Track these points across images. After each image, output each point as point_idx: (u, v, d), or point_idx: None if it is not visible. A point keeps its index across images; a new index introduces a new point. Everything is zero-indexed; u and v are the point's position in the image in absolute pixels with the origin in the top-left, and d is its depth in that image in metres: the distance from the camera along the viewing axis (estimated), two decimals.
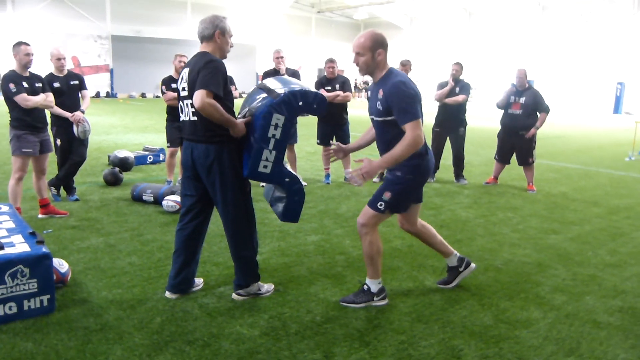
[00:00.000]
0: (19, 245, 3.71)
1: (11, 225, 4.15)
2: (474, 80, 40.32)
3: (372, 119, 3.94)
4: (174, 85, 7.53)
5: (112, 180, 7.98)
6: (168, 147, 7.87)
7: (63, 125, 6.65)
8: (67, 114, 6.51)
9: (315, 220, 6.40)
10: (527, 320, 3.85)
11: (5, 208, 4.62)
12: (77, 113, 6.58)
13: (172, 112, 7.62)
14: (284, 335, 3.53)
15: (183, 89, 3.84)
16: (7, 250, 3.59)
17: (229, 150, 3.78)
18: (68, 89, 6.67)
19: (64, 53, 6.77)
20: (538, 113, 8.45)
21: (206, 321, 3.68)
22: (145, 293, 4.12)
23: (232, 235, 4.01)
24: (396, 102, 3.63)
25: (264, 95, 3.84)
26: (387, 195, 3.84)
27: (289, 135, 3.81)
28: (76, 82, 6.80)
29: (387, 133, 3.81)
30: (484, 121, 21.53)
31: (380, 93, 3.73)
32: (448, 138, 9.04)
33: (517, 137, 8.46)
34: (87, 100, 6.93)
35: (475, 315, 3.91)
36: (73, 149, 6.84)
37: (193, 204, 4.05)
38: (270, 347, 3.37)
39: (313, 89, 4.02)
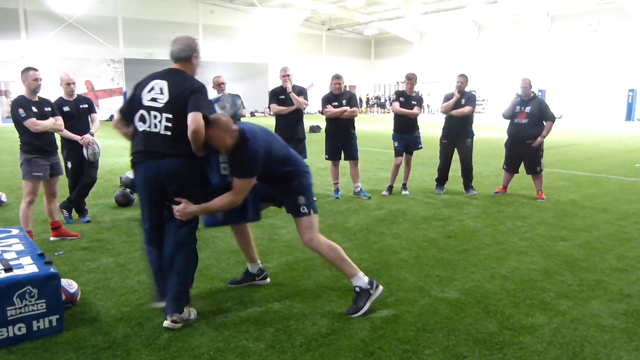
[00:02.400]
0: (28, 267, 3.77)
1: (20, 247, 4.23)
2: (485, 91, 40.44)
3: None
4: None
5: (124, 201, 8.09)
6: None
7: (73, 148, 6.78)
8: (76, 137, 6.64)
9: (323, 234, 6.24)
10: (532, 326, 3.85)
11: (15, 231, 4.71)
12: (87, 136, 6.71)
13: None
14: (289, 347, 3.56)
15: (154, 100, 3.78)
16: (16, 272, 3.66)
17: (198, 164, 3.87)
18: (78, 113, 6.81)
19: (73, 78, 6.92)
20: (544, 122, 8.44)
21: (212, 336, 3.72)
22: (153, 310, 4.15)
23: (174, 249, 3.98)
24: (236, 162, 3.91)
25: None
26: (301, 199, 4.17)
27: None
28: (85, 105, 6.94)
29: None
30: (494, 132, 21.52)
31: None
32: (456, 149, 9.05)
33: (524, 147, 8.47)
34: (97, 124, 7.06)
35: (480, 322, 3.92)
36: (84, 171, 6.97)
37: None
38: (275, 359, 3.40)
39: (230, 94, 4.26)
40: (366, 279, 4.16)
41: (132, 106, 3.88)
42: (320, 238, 4.22)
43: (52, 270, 3.75)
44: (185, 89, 3.72)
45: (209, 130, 3.73)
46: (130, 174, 9.29)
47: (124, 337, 3.71)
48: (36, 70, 5.89)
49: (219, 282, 4.80)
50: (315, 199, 4.36)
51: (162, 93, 3.76)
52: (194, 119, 3.61)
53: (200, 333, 3.77)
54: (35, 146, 5.84)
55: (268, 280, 4.80)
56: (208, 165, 3.96)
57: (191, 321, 3.95)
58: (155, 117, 3.76)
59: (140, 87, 3.89)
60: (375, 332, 3.77)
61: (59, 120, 6.10)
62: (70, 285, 4.22)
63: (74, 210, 7.18)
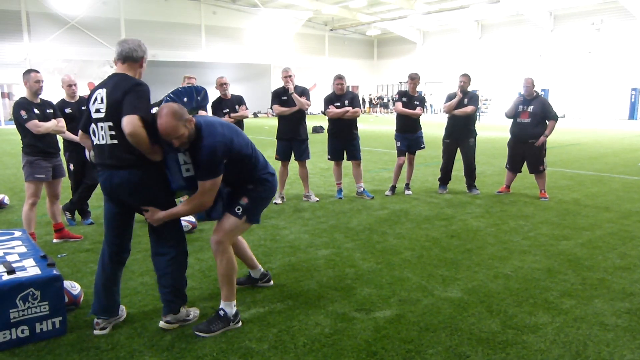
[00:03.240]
0: (30, 269, 3.77)
1: (23, 249, 4.24)
2: (488, 91, 40.39)
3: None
4: None
5: None
6: None
7: (75, 150, 6.79)
8: (78, 139, 6.63)
9: (326, 234, 6.43)
10: (535, 325, 3.85)
11: (18, 233, 4.71)
12: None
13: None
14: (292, 348, 3.56)
15: (97, 111, 3.63)
16: (19, 274, 3.66)
17: (154, 173, 3.69)
18: (80, 115, 6.80)
19: (74, 79, 6.93)
20: (547, 121, 8.42)
21: (216, 337, 3.72)
22: (157, 312, 4.15)
23: (159, 259, 3.93)
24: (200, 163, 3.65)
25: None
26: (244, 200, 3.90)
27: None
28: None
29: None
30: (497, 132, 21.50)
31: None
32: (459, 149, 9.04)
33: (527, 146, 8.45)
34: None
35: (483, 322, 3.91)
36: (86, 173, 6.98)
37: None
38: None
39: (188, 85, 4.03)
40: (235, 309, 3.92)
41: (87, 121, 3.79)
42: (230, 249, 3.96)
43: (54, 272, 3.75)
44: (119, 92, 3.53)
45: (158, 120, 3.48)
46: None
47: (127, 339, 3.71)
48: (37, 72, 5.89)
49: None
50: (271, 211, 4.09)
51: (102, 102, 3.61)
52: (127, 122, 3.40)
53: None
54: (38, 148, 5.85)
55: (271, 282, 4.75)
56: (168, 169, 3.73)
57: (190, 321, 3.94)
58: (101, 128, 3.63)
59: (88, 100, 3.76)
60: (378, 332, 3.77)
61: (61, 122, 6.10)
62: (73, 287, 4.23)
63: (76, 212, 7.19)
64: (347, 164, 8.81)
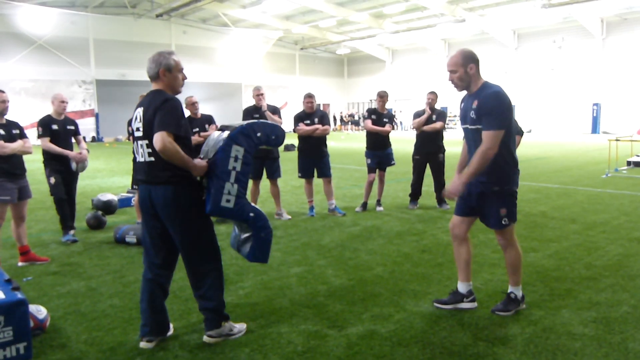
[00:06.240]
0: None
1: None
2: (456, 108, 40.96)
3: (465, 129, 4.24)
4: None
5: (95, 224, 7.97)
6: (135, 189, 7.88)
7: (58, 163, 6.83)
8: (71, 153, 6.87)
9: (299, 252, 6.42)
10: (505, 336, 3.89)
11: None
12: (84, 152, 7.01)
13: None
14: None
15: (137, 129, 3.76)
16: None
17: (189, 189, 3.75)
18: (64, 133, 6.96)
19: (66, 97, 7.15)
20: None
21: (187, 359, 3.67)
22: (126, 334, 4.09)
23: (198, 276, 3.99)
24: (485, 110, 3.92)
25: (225, 132, 3.87)
26: (503, 211, 4.14)
27: (249, 169, 3.84)
28: (72, 127, 7.12)
29: (479, 141, 4.03)
30: None
31: (475, 103, 3.99)
32: (428, 165, 9.14)
33: None
34: (84, 144, 7.31)
35: (455, 335, 3.94)
36: (67, 185, 7.01)
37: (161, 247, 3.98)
38: None
39: (271, 122, 4.13)
40: (522, 292, 4.38)
41: (133, 139, 3.93)
42: (515, 241, 4.34)
43: (19, 296, 3.66)
44: (152, 111, 3.62)
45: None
46: (102, 197, 9.19)
47: None
48: (3, 92, 5.80)
49: (193, 304, 4.70)
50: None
51: (140, 121, 3.73)
52: (157, 139, 3.52)
53: (173, 356, 3.72)
54: (3, 169, 5.71)
55: (476, 304, 4.49)
56: (208, 192, 3.75)
57: (235, 336, 3.99)
58: (141, 146, 3.76)
59: (131, 119, 3.90)
60: (351, 348, 3.76)
61: (28, 143, 5.98)
62: (39, 311, 4.12)
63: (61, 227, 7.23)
64: (318, 182, 8.82)
